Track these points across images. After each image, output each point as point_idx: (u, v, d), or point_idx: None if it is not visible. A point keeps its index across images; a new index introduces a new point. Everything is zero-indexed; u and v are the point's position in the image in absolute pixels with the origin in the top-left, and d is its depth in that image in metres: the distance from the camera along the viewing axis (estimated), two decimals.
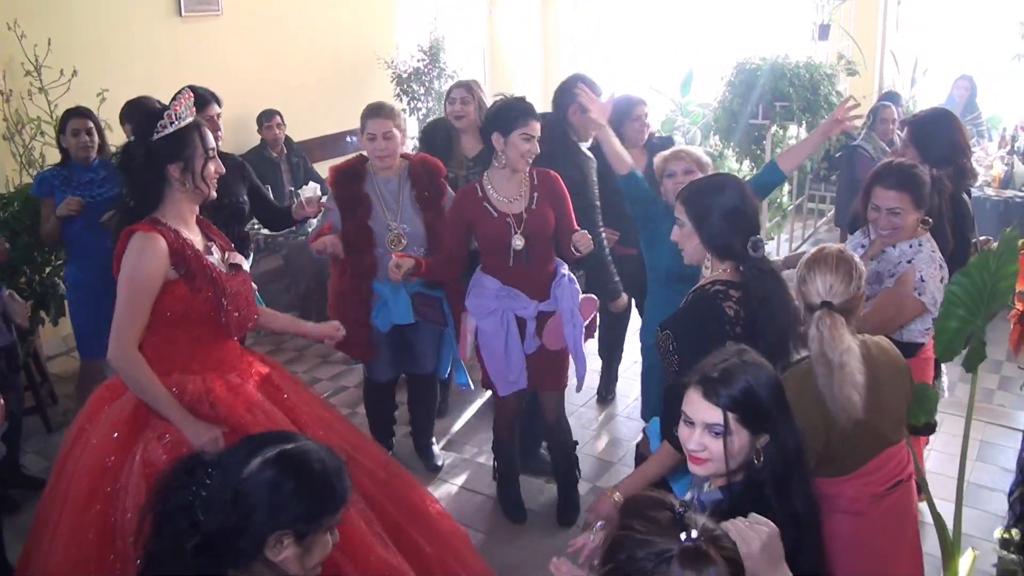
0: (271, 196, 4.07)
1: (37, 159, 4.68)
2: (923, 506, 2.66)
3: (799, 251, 4.86)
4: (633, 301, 3.90)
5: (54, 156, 3.95)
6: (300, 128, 6.22)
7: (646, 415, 3.15)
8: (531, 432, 3.70)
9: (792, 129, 6.10)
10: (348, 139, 6.70)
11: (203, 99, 3.38)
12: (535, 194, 3.10)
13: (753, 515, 1.43)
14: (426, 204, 3.34)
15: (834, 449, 2.02)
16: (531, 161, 3.04)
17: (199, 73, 4.97)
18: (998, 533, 2.92)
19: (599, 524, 1.90)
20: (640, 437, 3.15)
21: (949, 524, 2.67)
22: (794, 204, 6.90)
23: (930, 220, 2.80)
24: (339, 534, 1.62)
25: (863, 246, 2.89)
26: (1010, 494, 3.01)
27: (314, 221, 4.26)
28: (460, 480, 3.81)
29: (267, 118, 5.83)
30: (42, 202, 3.79)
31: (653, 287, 3.11)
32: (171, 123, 2.22)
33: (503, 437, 3.44)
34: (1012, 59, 6.93)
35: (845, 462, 2.08)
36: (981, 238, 3.33)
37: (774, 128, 5.96)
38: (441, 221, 3.34)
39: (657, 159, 3.12)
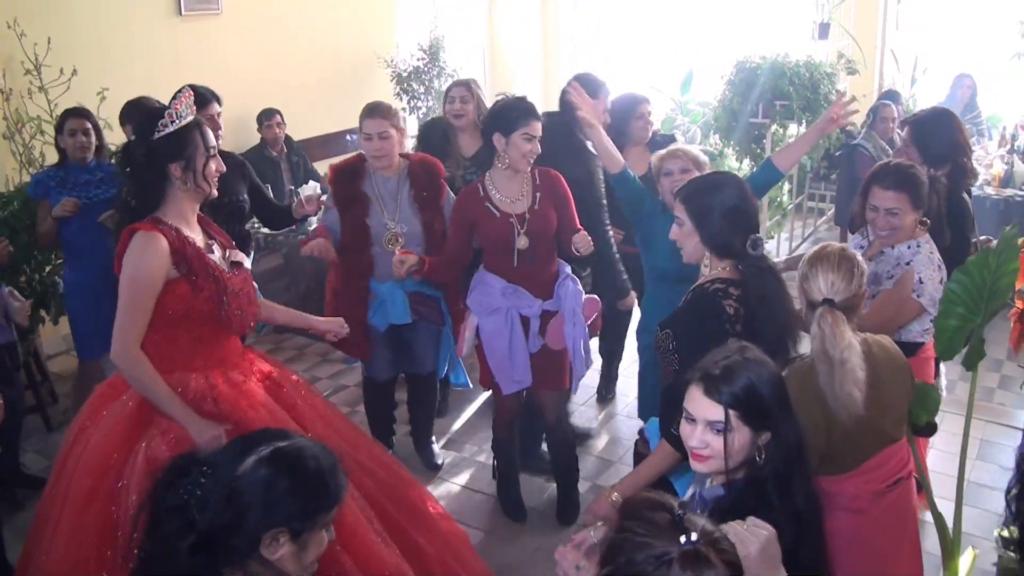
0: (271, 195, 4.07)
1: (37, 158, 4.68)
2: (923, 505, 2.66)
3: (798, 253, 4.85)
4: (637, 300, 3.90)
5: (54, 155, 3.94)
6: (300, 127, 6.22)
7: (643, 415, 3.15)
8: (531, 431, 3.70)
9: (792, 128, 6.10)
10: (348, 138, 6.69)
11: (203, 98, 3.37)
12: (537, 194, 3.10)
13: (751, 518, 1.43)
14: (424, 204, 3.34)
15: (835, 447, 2.03)
16: (533, 161, 3.04)
17: (199, 72, 4.97)
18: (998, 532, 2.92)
19: (597, 524, 1.90)
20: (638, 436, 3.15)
21: (949, 523, 2.67)
22: (794, 203, 6.90)
23: (927, 221, 2.81)
24: (341, 532, 1.62)
25: (862, 247, 2.89)
26: (1007, 492, 3.01)
27: (314, 220, 4.25)
28: (460, 479, 3.81)
29: (267, 117, 5.83)
30: (38, 203, 3.77)
31: (649, 286, 3.11)
32: (172, 122, 2.22)
33: (503, 436, 3.44)
34: (1012, 58, 6.92)
35: (846, 459, 2.08)
36: (981, 237, 3.33)
37: (774, 127, 5.96)
38: (439, 222, 3.34)
39: (654, 158, 3.12)
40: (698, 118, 7.72)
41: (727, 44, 7.46)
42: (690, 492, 1.84)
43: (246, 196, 3.66)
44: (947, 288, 2.53)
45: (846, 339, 1.92)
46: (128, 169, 2.30)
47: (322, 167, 5.22)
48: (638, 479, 2.23)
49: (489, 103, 3.58)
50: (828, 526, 1.85)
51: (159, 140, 2.21)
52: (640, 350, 3.20)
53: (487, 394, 4.29)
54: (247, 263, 2.51)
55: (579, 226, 3.16)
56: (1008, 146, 6.09)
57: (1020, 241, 2.57)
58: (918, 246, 2.75)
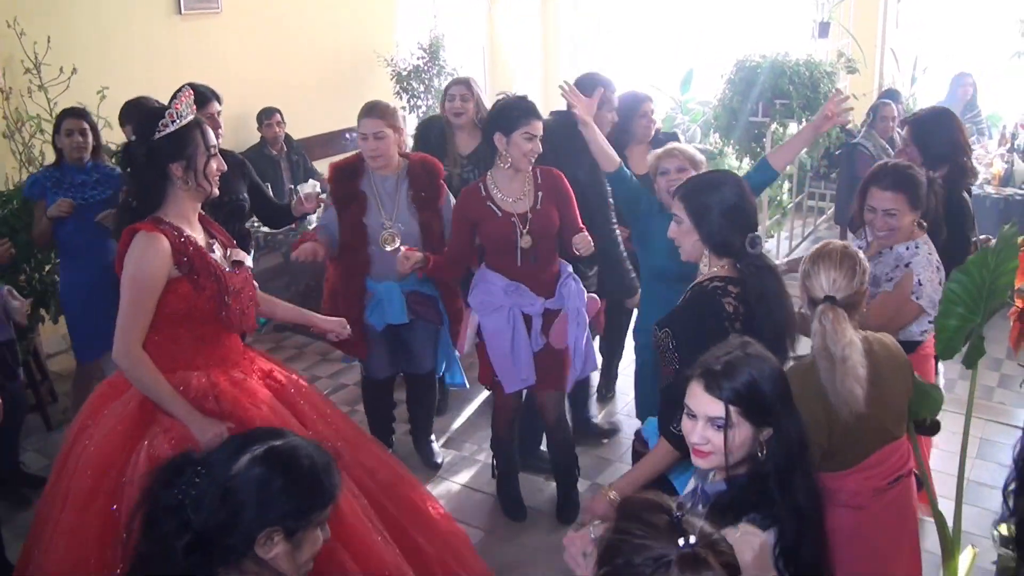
0: (271, 194, 4.07)
1: (37, 157, 4.68)
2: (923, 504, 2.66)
3: (798, 255, 4.85)
4: None
5: (53, 154, 3.94)
6: (300, 126, 6.21)
7: (641, 415, 3.15)
8: (531, 430, 3.70)
9: (792, 127, 6.09)
10: (346, 136, 6.69)
11: (203, 97, 3.36)
12: (539, 193, 3.09)
13: (743, 525, 1.43)
14: (422, 205, 3.33)
15: (836, 443, 2.03)
16: (534, 160, 3.04)
17: (199, 71, 4.96)
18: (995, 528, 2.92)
19: (596, 522, 1.90)
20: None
21: (949, 521, 2.67)
22: (794, 202, 6.89)
23: (924, 224, 2.81)
24: (341, 531, 1.62)
25: (861, 248, 2.89)
26: (1004, 488, 3.00)
27: (313, 218, 4.25)
28: (460, 478, 3.81)
29: (267, 116, 5.82)
30: (34, 204, 3.74)
31: (645, 285, 3.10)
32: (172, 122, 2.22)
33: (502, 435, 3.44)
34: (1012, 57, 6.93)
35: (847, 456, 2.08)
36: (981, 237, 3.33)
37: (774, 126, 5.96)
38: (437, 222, 3.34)
39: (650, 157, 3.12)
40: (698, 117, 7.72)
41: (727, 43, 7.46)
42: (691, 486, 1.84)
43: (246, 195, 3.66)
44: (947, 288, 2.53)
45: (847, 336, 1.92)
46: (129, 169, 2.31)
47: (322, 166, 5.21)
48: (636, 477, 2.23)
49: (489, 103, 3.57)
50: (828, 522, 1.85)
51: (160, 140, 2.21)
52: (637, 350, 3.19)
53: (487, 393, 4.28)
54: (248, 262, 2.51)
55: (581, 225, 3.16)
56: (1008, 145, 6.09)
57: (1019, 240, 2.57)
58: (916, 247, 2.75)
